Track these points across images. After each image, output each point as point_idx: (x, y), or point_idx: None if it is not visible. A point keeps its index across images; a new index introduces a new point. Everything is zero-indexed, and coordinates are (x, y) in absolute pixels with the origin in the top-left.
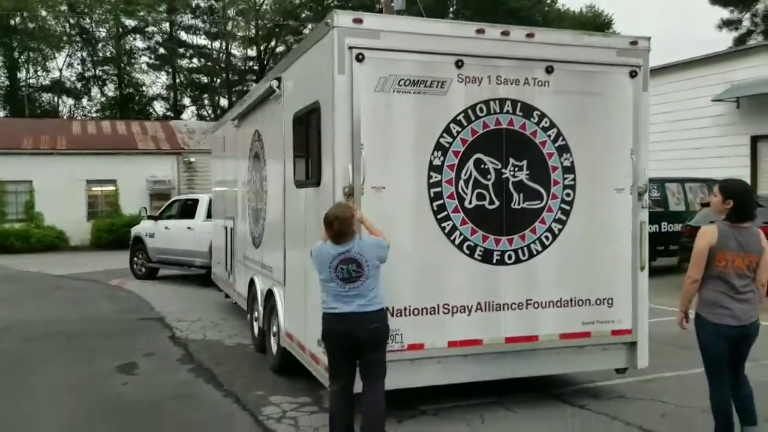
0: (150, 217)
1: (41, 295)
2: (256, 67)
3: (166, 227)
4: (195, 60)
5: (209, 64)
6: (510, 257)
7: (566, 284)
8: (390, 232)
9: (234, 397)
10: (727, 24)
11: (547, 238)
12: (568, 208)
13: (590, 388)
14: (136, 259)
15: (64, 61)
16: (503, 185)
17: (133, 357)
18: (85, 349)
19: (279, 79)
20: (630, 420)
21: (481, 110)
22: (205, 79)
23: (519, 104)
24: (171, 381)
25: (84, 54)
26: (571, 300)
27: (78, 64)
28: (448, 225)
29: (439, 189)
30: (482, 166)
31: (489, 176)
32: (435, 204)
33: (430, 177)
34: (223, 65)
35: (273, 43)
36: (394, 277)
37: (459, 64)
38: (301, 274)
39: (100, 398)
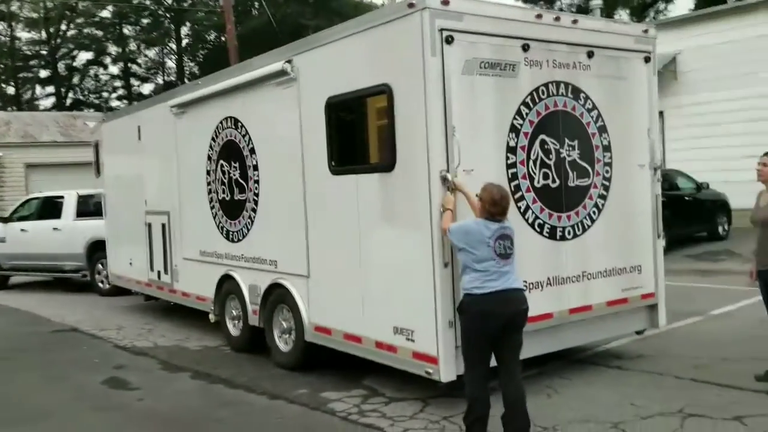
0: (0, 219)
1: None
2: (44, 52)
3: (21, 230)
4: None
5: None
6: (569, 233)
7: (609, 255)
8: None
9: (285, 399)
10: None
11: (594, 213)
12: (607, 184)
13: (605, 351)
14: None
15: None
16: (561, 164)
17: (102, 371)
18: (34, 367)
19: (290, 62)
20: (676, 373)
21: (543, 93)
22: None
23: (570, 87)
24: (189, 390)
25: None
26: (613, 269)
27: None
28: (522, 204)
29: (514, 170)
30: (545, 146)
31: (551, 156)
32: (512, 184)
33: (507, 158)
34: (5, 49)
35: (64, 27)
36: None
37: (525, 48)
38: (353, 263)
39: (131, 415)
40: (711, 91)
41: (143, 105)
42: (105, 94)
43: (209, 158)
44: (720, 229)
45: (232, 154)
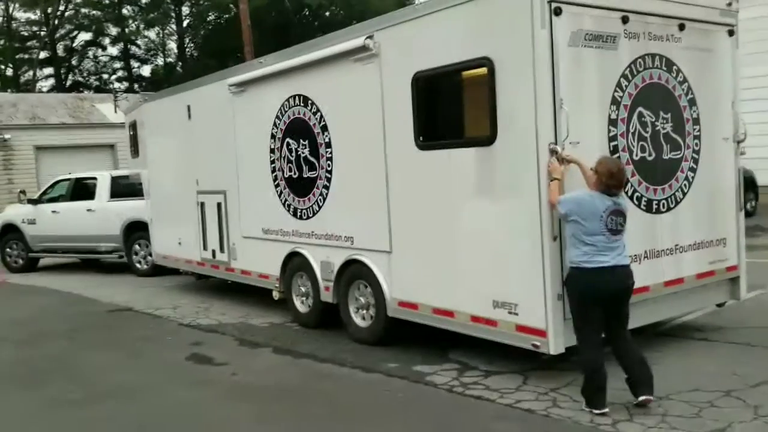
0: (30, 201)
1: None
2: (42, 33)
3: (53, 211)
4: None
5: None
6: (663, 206)
7: (698, 228)
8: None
9: (381, 372)
10: None
11: (685, 186)
12: (697, 157)
13: (684, 324)
14: (8, 250)
15: None
16: (657, 137)
17: (180, 348)
18: (107, 345)
19: (371, 38)
20: (766, 344)
21: (640, 65)
22: None
23: (664, 59)
24: (279, 364)
25: None
26: (702, 242)
27: None
28: None
29: (615, 143)
30: (642, 119)
31: (647, 129)
32: (617, 155)
33: (609, 131)
34: (3, 30)
35: (62, 7)
36: None
37: (625, 20)
38: (443, 238)
39: (231, 389)
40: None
41: (192, 84)
42: (105, 76)
43: (273, 136)
44: (748, 205)
45: (301, 131)
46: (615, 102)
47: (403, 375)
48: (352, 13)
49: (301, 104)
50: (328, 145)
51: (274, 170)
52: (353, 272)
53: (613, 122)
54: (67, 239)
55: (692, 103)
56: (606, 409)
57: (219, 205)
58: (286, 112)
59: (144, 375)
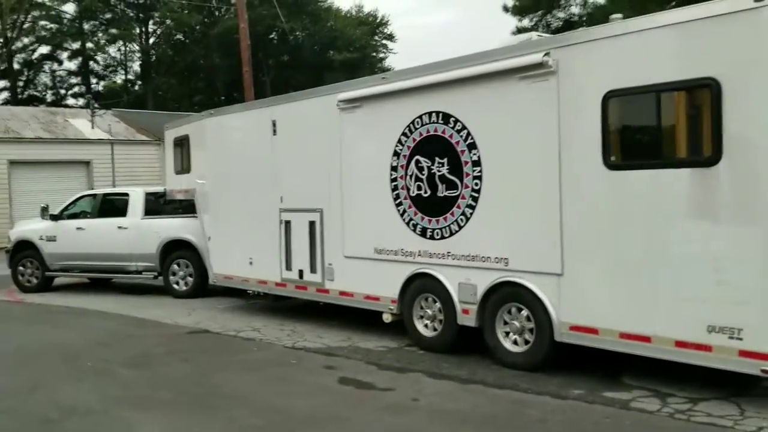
0: (52, 217)
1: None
2: None
3: (78, 228)
4: None
5: None
6: None
7: None
8: None
9: (576, 399)
10: (520, 31)
11: None
12: None
13: None
14: (21, 268)
15: None
16: None
17: (315, 372)
18: (229, 368)
19: (548, 55)
20: None
21: None
22: None
23: None
24: (451, 390)
25: None
26: None
27: None
28: None
29: None
30: None
31: None
32: None
33: None
34: None
35: (21, 18)
36: None
37: None
38: (640, 260)
39: (430, 417)
40: None
41: (280, 99)
42: (62, 91)
43: (396, 154)
44: None
45: (437, 149)
46: None
47: (604, 402)
48: (322, 39)
49: (440, 121)
50: (476, 163)
51: (395, 188)
52: (505, 295)
53: None
54: (95, 257)
55: None
56: None
57: (311, 223)
58: (417, 129)
59: (314, 401)
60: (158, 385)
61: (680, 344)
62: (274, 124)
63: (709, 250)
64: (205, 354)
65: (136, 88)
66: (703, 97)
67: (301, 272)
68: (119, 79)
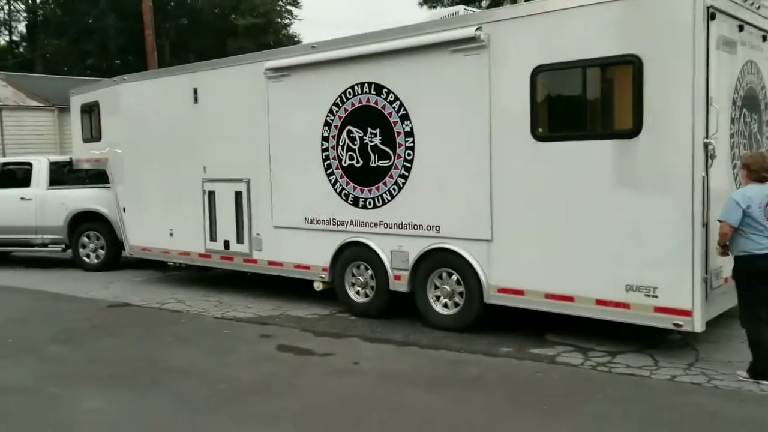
0: None
1: None
2: None
3: None
4: None
5: None
6: None
7: None
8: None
9: (508, 356)
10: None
11: None
12: None
13: None
14: None
15: None
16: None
17: (254, 342)
18: (164, 341)
19: (480, 29)
20: None
21: (746, 71)
22: None
23: (754, 65)
24: (391, 353)
25: None
26: None
27: None
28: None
29: (734, 140)
30: (746, 119)
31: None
32: (732, 152)
33: (730, 128)
34: None
35: None
36: None
37: (741, 29)
38: (566, 226)
39: (377, 378)
40: None
41: (201, 66)
42: None
43: (327, 124)
44: None
45: (370, 120)
46: (734, 101)
47: (533, 358)
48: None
49: (372, 92)
50: (409, 134)
51: (327, 158)
52: (436, 261)
53: (733, 120)
54: None
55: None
56: None
57: (238, 194)
58: (349, 99)
59: (258, 369)
60: (93, 361)
61: (601, 303)
62: (195, 92)
63: (628, 216)
64: (133, 327)
65: (21, 50)
66: (625, 73)
67: (227, 243)
68: (2, 40)
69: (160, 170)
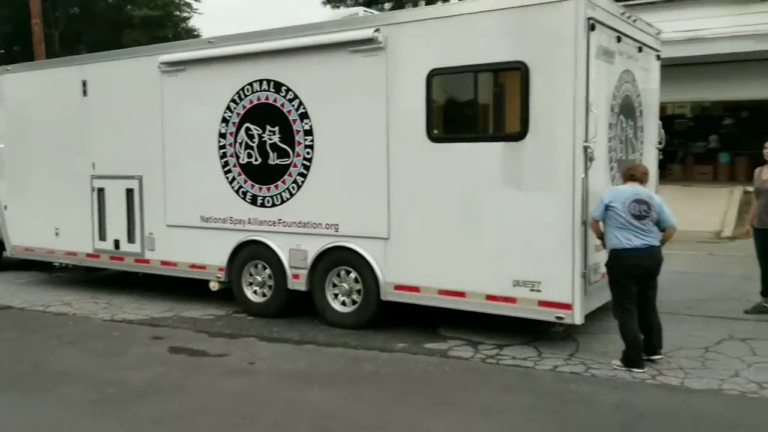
0: None
1: None
2: None
3: None
4: None
5: None
6: None
7: None
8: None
9: (403, 352)
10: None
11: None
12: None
13: None
14: None
15: None
16: (627, 141)
17: (145, 344)
18: (52, 345)
19: (378, 31)
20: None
21: (623, 79)
22: None
23: (630, 73)
24: (288, 352)
25: None
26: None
27: None
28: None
29: (611, 143)
30: (623, 124)
31: (624, 130)
32: (610, 155)
33: (608, 133)
34: None
35: None
36: None
37: (618, 40)
38: (456, 225)
39: (273, 379)
40: None
41: (91, 58)
42: None
43: (225, 120)
44: None
45: (269, 117)
46: (612, 108)
47: (426, 353)
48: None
49: (272, 90)
50: (308, 132)
51: (224, 156)
52: (335, 259)
53: (610, 126)
54: None
55: (640, 113)
56: (645, 369)
57: (129, 191)
58: (247, 96)
59: (147, 371)
60: None
61: (490, 297)
62: (84, 84)
63: (516, 215)
64: (15, 331)
65: None
66: (514, 78)
67: (117, 242)
68: None
69: (46, 166)
